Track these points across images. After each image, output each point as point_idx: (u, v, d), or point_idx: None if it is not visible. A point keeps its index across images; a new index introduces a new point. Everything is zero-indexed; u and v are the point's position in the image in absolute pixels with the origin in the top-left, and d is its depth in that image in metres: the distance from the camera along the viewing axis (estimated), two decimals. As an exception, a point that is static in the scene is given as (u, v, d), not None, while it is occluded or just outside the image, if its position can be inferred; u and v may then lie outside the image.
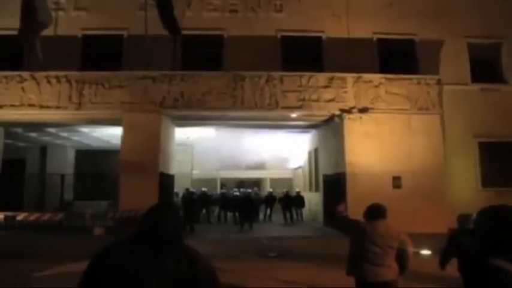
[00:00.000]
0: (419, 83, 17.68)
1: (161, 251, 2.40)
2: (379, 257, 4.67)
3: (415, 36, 19.49)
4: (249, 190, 23.30)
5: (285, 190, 23.88)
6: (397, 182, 16.86)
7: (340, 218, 5.37)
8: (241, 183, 28.65)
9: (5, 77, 17.21)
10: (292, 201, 22.62)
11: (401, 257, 4.78)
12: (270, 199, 23.44)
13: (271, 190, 25.15)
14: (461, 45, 19.33)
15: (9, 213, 17.43)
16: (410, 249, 4.85)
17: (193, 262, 2.45)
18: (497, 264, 2.66)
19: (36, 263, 10.43)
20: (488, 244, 2.91)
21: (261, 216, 23.26)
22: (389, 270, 4.70)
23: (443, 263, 5.25)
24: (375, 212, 4.92)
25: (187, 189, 20.76)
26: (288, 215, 22.12)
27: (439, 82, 17.89)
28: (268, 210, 23.52)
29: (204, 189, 22.75)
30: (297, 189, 24.17)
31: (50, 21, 16.13)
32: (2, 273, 9.43)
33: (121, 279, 2.33)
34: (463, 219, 5.41)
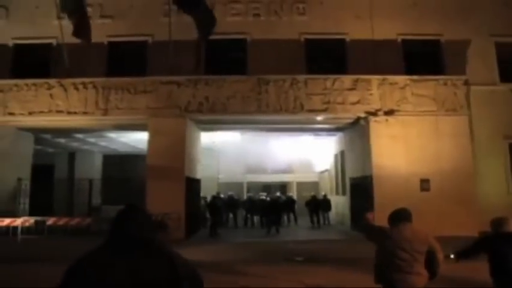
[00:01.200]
0: (446, 84, 17.38)
1: (138, 260, 2.29)
2: (408, 263, 4.45)
3: (441, 36, 19.17)
4: (278, 194, 23.23)
5: (312, 193, 23.74)
6: (425, 184, 16.59)
7: (365, 224, 5.26)
8: (267, 187, 28.57)
9: (34, 85, 17.57)
10: (319, 205, 22.51)
11: (431, 262, 4.56)
12: (290, 202, 23.24)
13: (290, 194, 25.10)
14: (488, 44, 18.92)
15: (40, 218, 17.77)
16: (440, 253, 4.63)
17: (174, 268, 2.35)
18: None
19: (65, 266, 10.58)
20: None
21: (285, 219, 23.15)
22: (419, 278, 4.46)
23: (461, 256, 5.15)
24: (400, 215, 4.73)
25: (217, 193, 21.26)
26: (315, 218, 22.02)
27: (466, 83, 17.56)
28: (292, 215, 23.35)
29: (230, 193, 22.82)
30: (323, 193, 24.03)
31: None
32: (32, 276, 9.62)
33: None
34: (497, 222, 5.18)
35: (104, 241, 2.44)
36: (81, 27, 16.40)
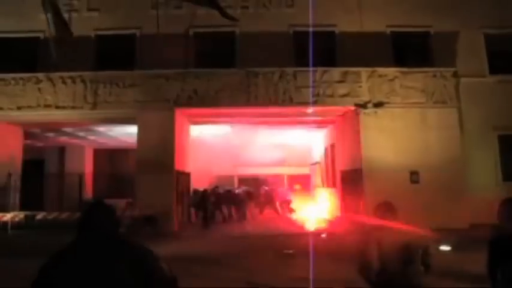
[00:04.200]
0: (435, 76, 17.39)
1: (104, 257, 2.31)
2: (409, 259, 4.10)
3: (430, 28, 19.13)
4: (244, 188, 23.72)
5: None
6: (414, 177, 16.62)
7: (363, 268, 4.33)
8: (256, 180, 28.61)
9: (22, 79, 17.44)
10: None
11: (424, 256, 4.22)
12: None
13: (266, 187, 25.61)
14: (477, 36, 18.94)
15: (29, 213, 17.70)
16: (432, 245, 4.35)
17: (146, 268, 2.35)
18: None
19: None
20: None
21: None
22: (418, 274, 4.18)
23: None
24: (387, 209, 4.34)
25: (216, 187, 21.84)
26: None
27: (455, 74, 17.59)
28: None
29: (203, 188, 22.61)
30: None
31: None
32: (21, 272, 9.55)
33: None
34: None
35: (73, 240, 2.47)
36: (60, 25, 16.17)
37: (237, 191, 22.75)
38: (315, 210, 24.56)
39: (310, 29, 18.76)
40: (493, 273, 3.69)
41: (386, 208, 4.40)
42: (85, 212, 2.53)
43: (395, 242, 4.10)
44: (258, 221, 21.28)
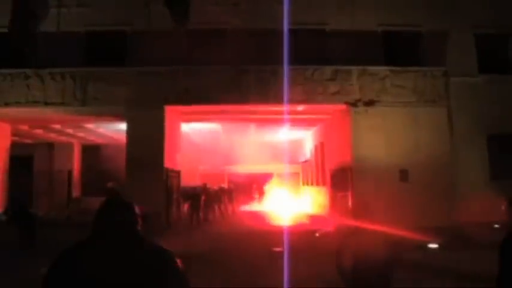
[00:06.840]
0: (425, 75, 17.45)
1: (125, 257, 2.24)
2: (381, 262, 4.04)
3: (421, 27, 19.16)
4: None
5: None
6: (403, 175, 16.70)
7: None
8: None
9: (10, 75, 17.22)
10: None
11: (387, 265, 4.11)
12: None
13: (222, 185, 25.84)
14: (468, 36, 19.02)
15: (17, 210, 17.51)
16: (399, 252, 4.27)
17: (162, 263, 2.31)
18: None
19: (44, 258, 10.45)
20: None
21: None
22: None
23: None
24: (363, 209, 4.33)
25: (204, 184, 21.82)
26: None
27: (445, 74, 17.64)
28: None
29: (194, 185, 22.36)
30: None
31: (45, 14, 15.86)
32: (11, 269, 9.49)
33: None
34: None
35: (89, 233, 2.39)
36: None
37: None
38: (297, 207, 24.83)
39: (302, 27, 18.81)
40: (508, 276, 3.43)
41: (362, 208, 4.42)
42: (102, 208, 2.42)
43: (371, 245, 4.03)
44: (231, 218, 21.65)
